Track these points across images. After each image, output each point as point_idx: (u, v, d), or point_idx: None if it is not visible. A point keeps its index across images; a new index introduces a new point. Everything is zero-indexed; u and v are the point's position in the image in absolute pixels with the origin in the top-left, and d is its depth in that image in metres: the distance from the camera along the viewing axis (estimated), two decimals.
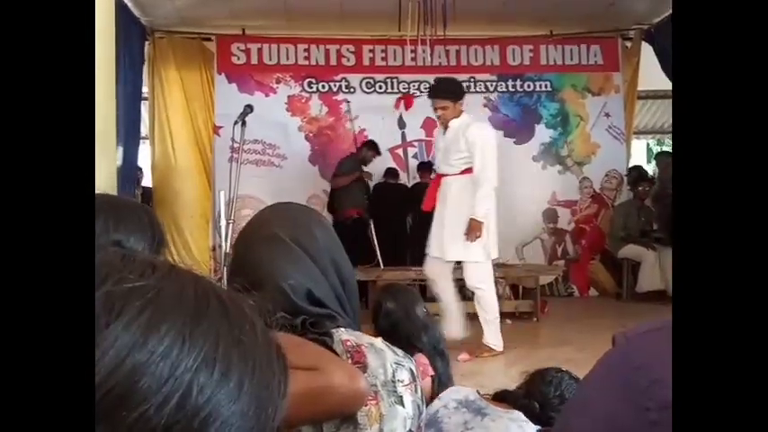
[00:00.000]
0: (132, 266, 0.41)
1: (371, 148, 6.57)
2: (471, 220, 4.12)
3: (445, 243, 4.24)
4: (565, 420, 0.73)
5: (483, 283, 4.25)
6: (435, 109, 4.22)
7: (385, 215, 6.29)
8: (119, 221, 1.00)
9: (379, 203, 6.47)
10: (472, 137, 4.14)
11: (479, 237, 4.14)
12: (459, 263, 4.35)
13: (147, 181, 7.53)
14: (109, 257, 0.42)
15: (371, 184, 6.78)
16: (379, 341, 1.01)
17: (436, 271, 4.36)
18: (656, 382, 0.61)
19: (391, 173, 6.83)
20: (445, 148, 4.26)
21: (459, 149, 4.17)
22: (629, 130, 7.65)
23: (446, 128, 4.26)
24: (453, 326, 4.19)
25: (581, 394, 0.72)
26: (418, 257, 4.79)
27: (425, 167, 6.50)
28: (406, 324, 2.02)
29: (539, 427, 1.58)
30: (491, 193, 4.19)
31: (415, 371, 0.97)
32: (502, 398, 1.73)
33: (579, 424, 0.70)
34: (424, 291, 6.35)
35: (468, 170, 4.18)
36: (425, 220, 5.70)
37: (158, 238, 1.07)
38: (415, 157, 7.13)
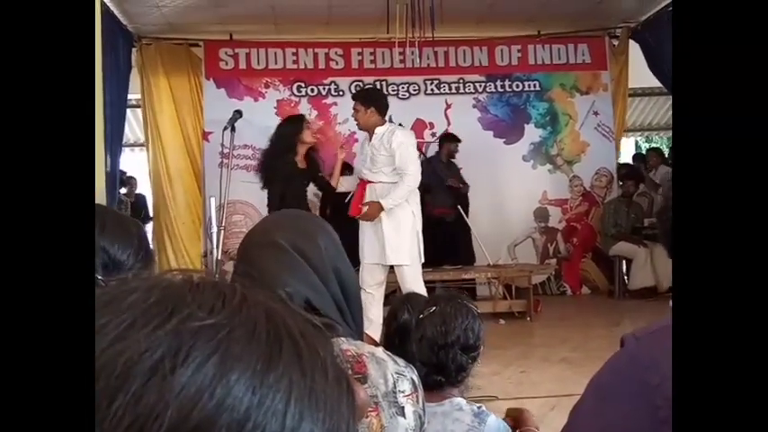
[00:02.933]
0: (201, 299, 0.37)
1: (452, 139, 6.46)
2: (372, 202, 4.24)
3: (385, 248, 4.25)
4: (574, 424, 0.73)
5: (417, 284, 4.24)
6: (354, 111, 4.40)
7: None
8: (104, 227, 0.99)
9: None
10: (395, 143, 4.24)
11: (371, 218, 4.26)
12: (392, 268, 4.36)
13: (140, 188, 7.52)
14: (175, 287, 0.38)
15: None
16: (380, 351, 1.00)
17: (375, 277, 4.34)
18: (667, 380, 0.61)
19: None
20: (372, 155, 4.33)
21: (385, 158, 4.27)
22: (621, 128, 7.69)
23: (372, 135, 4.35)
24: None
25: (590, 397, 0.72)
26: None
27: None
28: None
29: (475, 406, 1.48)
30: (412, 189, 4.28)
31: (416, 381, 0.97)
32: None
33: (588, 427, 0.70)
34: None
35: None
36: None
37: (144, 253, 1.05)
38: None
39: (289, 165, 4.09)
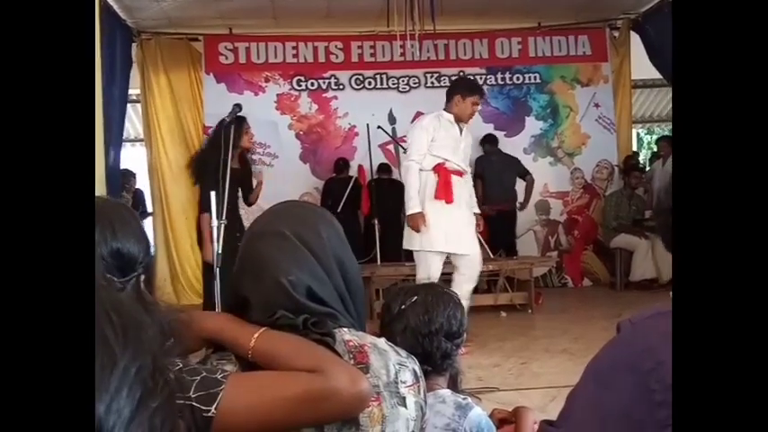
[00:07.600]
0: None
1: None
2: (478, 214, 4.51)
3: (463, 238, 4.27)
4: (571, 409, 0.73)
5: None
6: (476, 104, 4.26)
7: (382, 210, 6.27)
8: (115, 228, 0.99)
9: (375, 199, 6.45)
10: (470, 138, 4.46)
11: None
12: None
13: (139, 183, 7.53)
14: None
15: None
16: (382, 341, 1.00)
17: (439, 266, 4.31)
18: (661, 364, 0.62)
19: (384, 168, 6.84)
20: (465, 146, 4.35)
21: (466, 150, 4.41)
22: (629, 119, 7.68)
23: (461, 126, 4.30)
24: None
25: (586, 382, 0.72)
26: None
27: None
28: None
29: (461, 398, 1.46)
30: None
31: (418, 371, 0.97)
32: None
33: (585, 411, 0.70)
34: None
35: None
36: None
37: (147, 245, 1.06)
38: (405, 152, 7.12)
39: (223, 165, 4.06)
